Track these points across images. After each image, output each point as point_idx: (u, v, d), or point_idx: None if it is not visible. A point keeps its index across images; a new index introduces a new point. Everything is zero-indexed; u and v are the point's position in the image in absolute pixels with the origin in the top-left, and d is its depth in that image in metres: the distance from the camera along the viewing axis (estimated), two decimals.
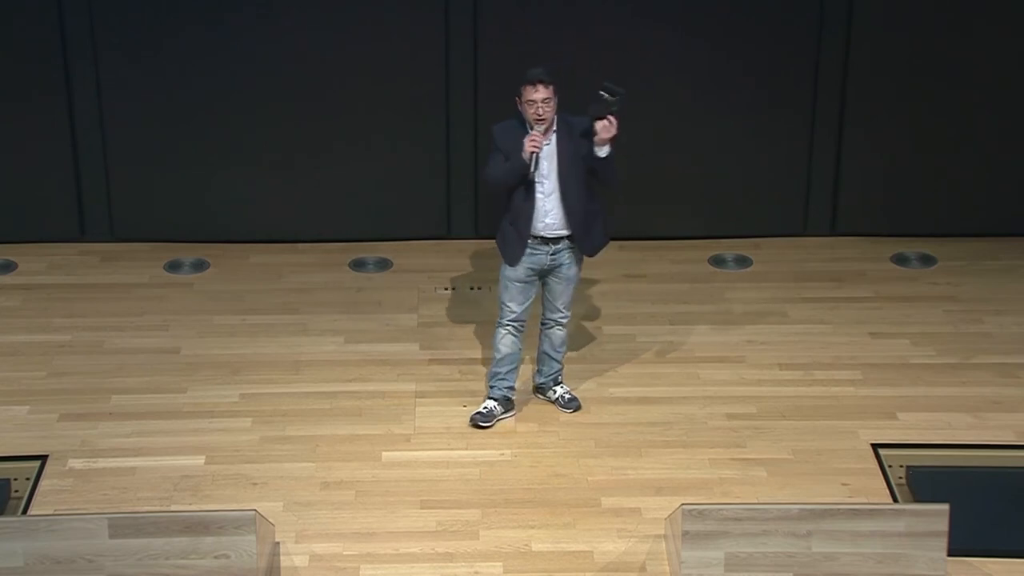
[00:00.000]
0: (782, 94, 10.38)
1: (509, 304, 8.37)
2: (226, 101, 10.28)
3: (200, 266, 10.35)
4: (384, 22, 10.16)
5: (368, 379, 8.94)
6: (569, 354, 9.17)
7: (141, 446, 8.29)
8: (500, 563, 7.39)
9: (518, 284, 8.33)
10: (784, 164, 10.56)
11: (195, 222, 10.57)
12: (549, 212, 8.15)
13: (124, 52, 10.13)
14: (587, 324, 9.58)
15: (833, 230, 10.73)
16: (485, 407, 8.48)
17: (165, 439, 8.36)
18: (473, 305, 9.78)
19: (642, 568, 7.38)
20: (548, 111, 8.01)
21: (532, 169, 8.02)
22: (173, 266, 10.33)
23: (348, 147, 10.43)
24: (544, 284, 8.42)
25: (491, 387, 8.53)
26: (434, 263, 10.37)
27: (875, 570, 6.95)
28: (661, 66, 10.28)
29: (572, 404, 8.63)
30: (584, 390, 8.81)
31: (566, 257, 8.27)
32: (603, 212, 8.34)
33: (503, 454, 8.25)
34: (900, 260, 10.43)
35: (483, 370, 8.91)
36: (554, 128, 8.10)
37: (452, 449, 8.28)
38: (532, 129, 8.03)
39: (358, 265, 10.38)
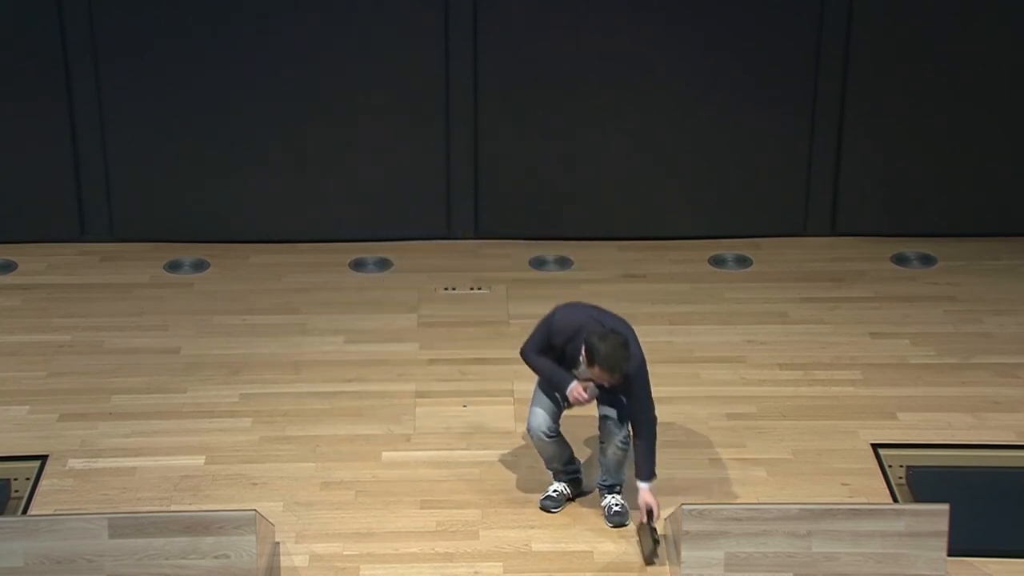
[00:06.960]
0: (782, 94, 10.37)
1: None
2: (226, 101, 10.28)
3: (200, 266, 10.34)
4: (384, 22, 10.15)
5: (368, 379, 8.94)
6: None
7: (141, 446, 8.29)
8: (500, 563, 7.39)
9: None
10: (784, 164, 10.55)
11: (195, 222, 10.57)
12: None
13: (124, 52, 10.12)
14: None
15: (833, 230, 10.72)
16: (555, 490, 7.83)
17: (165, 439, 8.36)
18: (473, 305, 9.77)
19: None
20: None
21: (565, 405, 7.57)
22: (173, 266, 10.33)
23: (348, 147, 10.43)
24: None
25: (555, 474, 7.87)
26: (434, 263, 10.35)
27: (875, 570, 6.95)
28: (661, 66, 10.27)
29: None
30: None
31: None
32: None
33: (503, 454, 8.24)
34: (900, 260, 10.42)
35: (483, 370, 8.91)
36: None
37: (452, 449, 8.27)
38: (587, 382, 7.42)
39: (358, 265, 10.37)
